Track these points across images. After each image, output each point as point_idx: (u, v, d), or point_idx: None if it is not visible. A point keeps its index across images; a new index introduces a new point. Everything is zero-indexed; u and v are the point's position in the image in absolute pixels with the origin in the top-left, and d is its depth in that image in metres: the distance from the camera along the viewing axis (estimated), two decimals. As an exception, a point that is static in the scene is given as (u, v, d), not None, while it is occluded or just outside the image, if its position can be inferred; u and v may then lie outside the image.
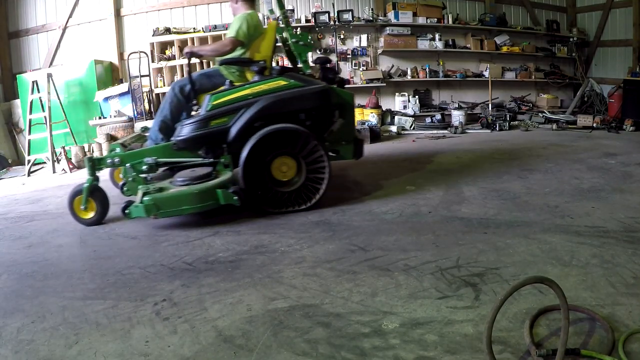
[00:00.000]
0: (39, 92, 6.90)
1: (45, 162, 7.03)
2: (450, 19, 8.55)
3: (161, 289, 2.41)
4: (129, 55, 7.47)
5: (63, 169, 6.61)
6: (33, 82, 6.93)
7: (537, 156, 5.26)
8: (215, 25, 7.91)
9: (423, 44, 8.48)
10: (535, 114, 8.50)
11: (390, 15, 8.33)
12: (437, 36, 8.52)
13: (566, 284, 2.14)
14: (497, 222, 3.12)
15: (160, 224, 3.57)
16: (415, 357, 1.71)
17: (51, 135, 6.75)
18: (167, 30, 7.93)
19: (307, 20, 8.10)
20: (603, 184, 3.93)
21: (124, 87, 7.47)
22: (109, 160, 3.67)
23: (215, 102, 3.58)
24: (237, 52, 3.88)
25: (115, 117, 7.29)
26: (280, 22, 4.19)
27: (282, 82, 3.62)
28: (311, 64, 4.21)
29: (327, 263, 2.62)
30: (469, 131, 7.66)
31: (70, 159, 6.80)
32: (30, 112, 6.97)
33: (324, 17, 7.84)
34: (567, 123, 7.70)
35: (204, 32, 7.84)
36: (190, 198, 3.32)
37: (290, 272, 2.53)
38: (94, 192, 3.66)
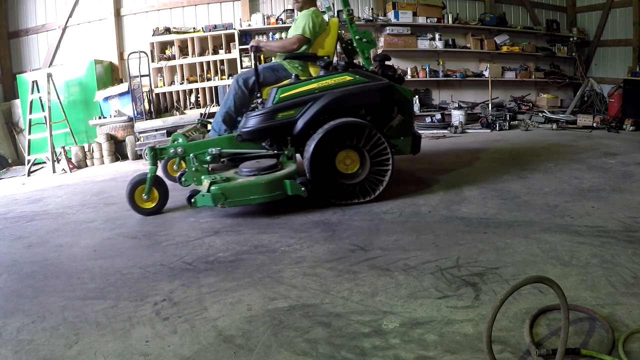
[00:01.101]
0: (39, 92, 6.90)
1: (45, 162, 7.03)
2: (450, 19, 8.55)
3: (161, 289, 2.41)
4: (128, 55, 7.47)
5: (63, 169, 6.61)
6: (33, 82, 6.93)
7: (537, 156, 5.26)
8: (215, 25, 7.90)
9: (423, 44, 8.48)
10: (535, 113, 8.50)
11: (390, 14, 8.33)
12: (437, 36, 8.52)
13: (566, 284, 2.14)
14: (497, 221, 3.12)
15: (160, 223, 3.57)
16: (415, 357, 1.71)
17: (51, 135, 6.75)
18: (167, 30, 7.92)
19: (307, 20, 8.08)
20: (603, 183, 3.93)
21: (123, 87, 7.46)
22: (171, 151, 3.73)
23: (282, 95, 3.66)
24: (302, 48, 4.04)
25: (115, 117, 7.29)
26: (343, 19, 4.28)
27: (347, 77, 3.72)
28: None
29: (327, 263, 2.62)
30: (469, 131, 7.66)
31: (70, 158, 6.80)
32: (30, 112, 6.97)
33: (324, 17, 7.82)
34: (567, 123, 7.70)
35: (204, 32, 7.84)
36: (259, 188, 3.39)
37: (290, 271, 2.53)
38: (157, 182, 3.77)
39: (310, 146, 3.57)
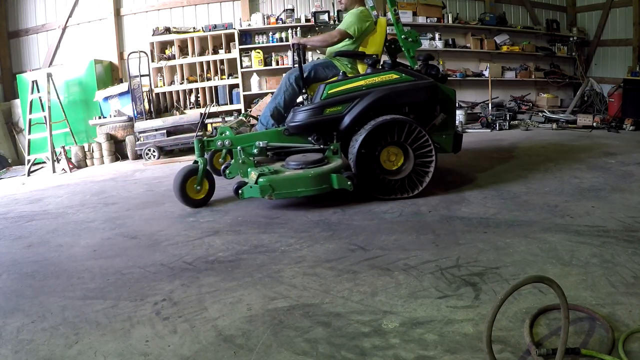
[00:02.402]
0: (38, 91, 6.90)
1: (45, 162, 7.03)
2: (450, 19, 8.54)
3: (161, 289, 2.41)
4: (128, 55, 7.47)
5: (63, 169, 6.61)
6: (33, 81, 6.93)
7: (537, 155, 5.26)
8: (215, 25, 7.90)
9: (423, 44, 8.47)
10: (535, 113, 8.50)
11: (390, 14, 8.32)
12: (437, 35, 8.52)
13: (566, 284, 2.14)
14: (497, 221, 3.12)
15: (160, 223, 3.57)
16: (415, 357, 1.71)
17: (51, 135, 6.75)
18: (167, 30, 7.92)
19: (307, 20, 8.09)
20: (603, 183, 3.93)
21: (123, 86, 7.46)
22: (219, 143, 3.85)
23: (330, 92, 3.76)
24: (347, 46, 4.14)
25: (115, 116, 7.29)
26: (390, 18, 4.31)
27: (394, 76, 3.80)
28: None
29: (327, 262, 2.62)
30: (468, 130, 7.66)
31: (70, 158, 6.80)
32: (30, 112, 6.97)
33: (324, 17, 7.83)
34: (567, 122, 7.70)
35: (204, 31, 7.84)
36: (306, 181, 3.48)
37: (290, 271, 2.53)
38: (208, 174, 3.91)
39: (357, 142, 3.63)
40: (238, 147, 3.77)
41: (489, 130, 7.59)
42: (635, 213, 3.11)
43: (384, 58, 4.58)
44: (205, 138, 3.89)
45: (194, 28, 8.16)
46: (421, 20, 8.37)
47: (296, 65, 4.03)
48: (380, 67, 3.96)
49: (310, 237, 3.04)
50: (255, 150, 3.79)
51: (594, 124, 7.27)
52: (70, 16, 8.32)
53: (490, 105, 8.34)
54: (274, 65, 8.12)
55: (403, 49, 4.20)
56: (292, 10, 8.20)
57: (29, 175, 6.67)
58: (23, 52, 8.55)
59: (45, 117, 6.80)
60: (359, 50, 4.16)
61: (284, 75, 4.27)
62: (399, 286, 2.27)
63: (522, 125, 7.79)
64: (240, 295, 2.28)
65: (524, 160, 5.05)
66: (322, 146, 3.84)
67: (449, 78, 8.63)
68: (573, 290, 2.09)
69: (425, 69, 4.18)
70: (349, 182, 3.53)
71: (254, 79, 8.06)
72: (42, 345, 1.94)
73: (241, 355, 1.79)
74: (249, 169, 3.64)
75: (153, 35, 7.90)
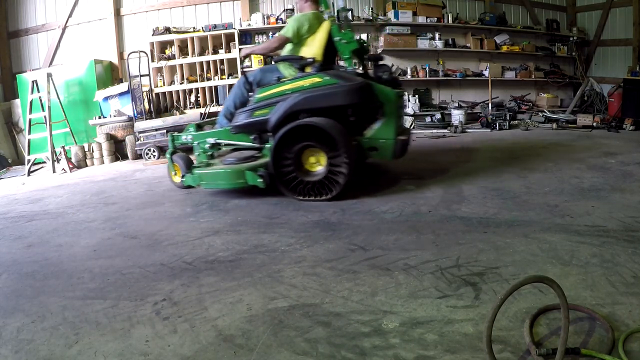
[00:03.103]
0: (38, 91, 6.90)
1: (45, 162, 7.03)
2: (450, 18, 8.55)
3: (161, 289, 2.41)
4: (128, 55, 7.47)
5: (63, 169, 6.61)
6: (33, 81, 6.93)
7: (536, 155, 5.26)
8: (215, 25, 7.91)
9: (423, 43, 8.48)
10: (535, 113, 8.50)
11: (390, 14, 8.33)
12: (437, 35, 8.53)
13: (566, 283, 2.14)
14: (497, 221, 3.12)
15: (160, 223, 3.57)
16: (415, 357, 1.71)
17: (51, 135, 6.75)
18: (167, 30, 7.92)
19: (307, 20, 8.08)
20: (603, 183, 3.93)
21: (123, 86, 7.47)
22: (183, 137, 4.54)
23: (260, 96, 4.03)
24: (290, 50, 4.30)
25: (115, 116, 7.29)
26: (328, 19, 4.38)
27: (317, 79, 3.84)
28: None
29: (327, 262, 2.62)
30: (468, 130, 7.66)
31: (70, 158, 6.80)
32: (30, 112, 6.98)
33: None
34: (567, 122, 7.70)
35: (204, 31, 7.84)
36: (225, 176, 3.93)
37: (290, 271, 2.53)
38: (173, 159, 4.58)
39: (273, 143, 3.83)
40: (195, 142, 4.39)
41: (489, 130, 7.59)
42: (635, 213, 3.11)
43: (353, 62, 4.51)
44: (175, 133, 4.65)
45: (194, 28, 8.17)
46: (421, 20, 8.37)
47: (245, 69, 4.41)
48: (316, 70, 3.95)
49: (310, 237, 3.04)
50: (206, 146, 4.32)
51: (594, 124, 7.28)
52: (70, 16, 8.33)
53: (490, 105, 8.34)
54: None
55: (338, 51, 4.25)
56: (292, 10, 8.21)
57: (29, 175, 6.68)
58: (23, 52, 8.55)
59: (45, 117, 6.80)
60: (301, 53, 4.22)
61: (240, 78, 4.63)
62: (399, 286, 2.27)
63: (522, 125, 7.79)
64: (240, 295, 2.28)
65: (524, 160, 5.05)
66: (259, 145, 4.15)
67: (448, 78, 8.71)
68: (573, 290, 2.09)
69: (374, 71, 4.29)
70: (259, 180, 3.82)
71: (254, 79, 8.05)
72: (42, 345, 1.94)
73: (241, 355, 1.79)
74: (203, 161, 4.22)
75: (153, 35, 7.90)
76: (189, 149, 4.70)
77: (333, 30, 4.15)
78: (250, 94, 4.29)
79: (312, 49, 4.20)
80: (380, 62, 4.43)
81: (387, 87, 4.01)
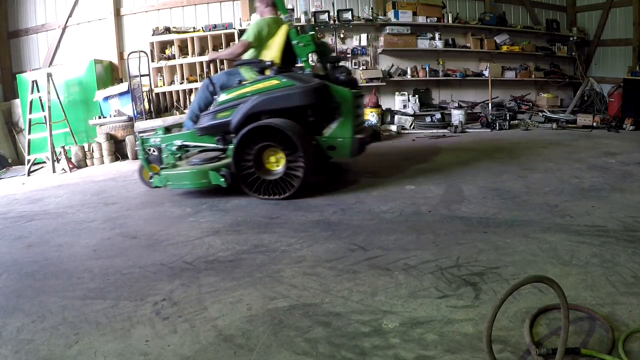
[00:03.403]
0: (38, 91, 6.90)
1: (45, 162, 7.03)
2: (450, 18, 8.55)
3: (161, 289, 2.41)
4: (128, 55, 7.47)
5: (63, 169, 6.61)
6: (33, 81, 6.93)
7: (536, 155, 5.26)
8: (215, 25, 7.91)
9: (423, 43, 8.48)
10: (535, 113, 8.51)
11: (390, 14, 8.33)
12: (437, 35, 8.53)
13: (566, 283, 2.14)
14: (497, 221, 3.12)
15: (160, 223, 3.57)
16: (415, 357, 1.71)
17: (51, 134, 6.75)
18: (167, 30, 7.92)
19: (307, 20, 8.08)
20: (603, 183, 3.93)
21: (123, 86, 7.47)
22: (152, 140, 4.50)
23: (222, 99, 4.13)
24: (251, 53, 4.38)
25: (115, 116, 7.29)
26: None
27: (274, 82, 3.99)
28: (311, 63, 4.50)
29: (327, 262, 2.62)
30: (468, 130, 7.66)
31: (70, 158, 6.80)
32: (30, 112, 6.97)
33: (324, 17, 7.85)
34: (567, 122, 7.70)
35: (204, 31, 7.84)
36: (189, 176, 4.04)
37: (290, 271, 2.53)
38: (149, 160, 4.64)
39: (234, 143, 3.94)
40: (164, 145, 4.40)
41: (489, 130, 7.59)
42: (635, 213, 3.11)
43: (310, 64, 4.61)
44: (144, 136, 4.61)
45: (193, 28, 8.17)
46: (421, 20, 8.37)
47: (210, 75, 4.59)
48: (275, 72, 4.10)
49: (310, 237, 3.04)
50: (173, 148, 4.37)
51: (594, 124, 7.28)
52: (70, 16, 8.33)
53: (490, 105, 8.34)
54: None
55: (296, 53, 4.37)
56: (292, 10, 8.21)
57: (29, 175, 6.67)
58: (23, 52, 8.55)
59: (45, 117, 6.80)
60: (262, 56, 4.35)
61: (204, 80, 4.69)
62: (399, 286, 2.27)
63: (522, 125, 7.79)
64: (240, 295, 2.28)
65: (524, 160, 5.05)
66: (223, 146, 4.24)
67: (448, 78, 8.71)
68: (573, 290, 2.09)
69: (333, 72, 4.40)
70: (221, 179, 3.94)
71: (254, 79, 8.06)
72: (42, 345, 1.94)
73: (241, 355, 1.79)
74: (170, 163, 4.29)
75: (153, 35, 7.90)
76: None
77: (291, 34, 4.28)
78: (215, 96, 4.40)
79: (272, 52, 4.32)
80: (339, 64, 4.58)
81: (345, 87, 4.15)
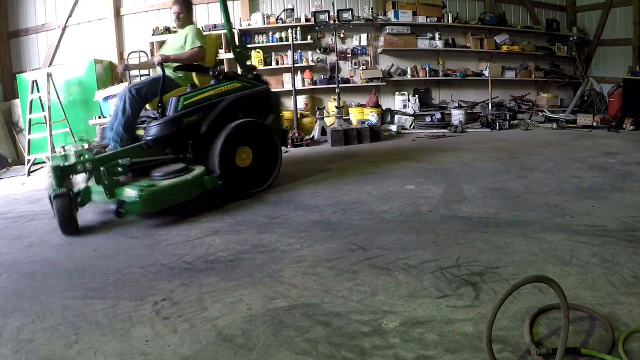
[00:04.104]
0: (38, 91, 6.89)
1: (45, 162, 7.02)
2: (450, 18, 8.55)
3: (161, 288, 2.41)
4: (128, 55, 7.47)
5: (63, 169, 6.59)
6: (33, 81, 6.92)
7: (536, 155, 5.26)
8: (215, 25, 7.90)
9: (423, 43, 8.48)
10: (535, 113, 8.51)
11: (390, 14, 8.33)
12: (436, 35, 8.53)
13: (566, 283, 2.14)
14: (497, 221, 3.12)
15: (160, 223, 3.57)
16: (415, 356, 1.71)
17: (51, 134, 6.75)
18: (167, 30, 7.92)
19: (307, 20, 8.10)
20: (603, 183, 3.93)
21: (123, 86, 7.45)
22: (79, 167, 3.56)
23: (186, 102, 3.96)
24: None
25: (115, 116, 7.28)
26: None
27: (237, 84, 4.28)
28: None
29: (327, 262, 2.62)
30: (468, 130, 7.66)
31: (70, 158, 6.79)
32: (30, 112, 6.97)
33: (324, 16, 7.84)
34: (567, 122, 7.70)
35: (204, 31, 7.82)
36: (185, 187, 3.71)
37: (290, 271, 2.53)
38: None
39: (218, 145, 3.94)
40: (101, 168, 3.53)
41: (489, 130, 7.59)
42: (635, 212, 3.11)
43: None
44: (63, 164, 3.55)
45: (193, 28, 8.15)
46: (421, 19, 8.37)
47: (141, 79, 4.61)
48: (224, 78, 4.27)
49: (310, 237, 3.04)
50: (119, 169, 3.64)
51: (594, 124, 7.28)
52: (70, 16, 8.32)
53: (490, 104, 8.34)
54: (273, 65, 8.13)
55: (237, 60, 4.76)
56: (292, 9, 8.21)
57: (29, 175, 6.67)
58: (23, 52, 8.54)
59: (45, 116, 6.79)
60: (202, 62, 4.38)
61: (120, 94, 4.26)
62: (399, 286, 2.27)
63: (522, 125, 7.79)
64: (240, 295, 2.28)
65: (524, 159, 5.05)
66: (180, 156, 4.04)
67: (448, 77, 8.72)
68: (573, 290, 2.09)
69: (255, 78, 4.64)
70: (219, 182, 3.88)
71: (254, 79, 8.06)
72: (42, 345, 1.94)
73: (241, 355, 1.79)
74: (123, 188, 3.54)
75: (153, 35, 7.90)
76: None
77: (231, 43, 4.79)
78: (147, 107, 4.18)
79: (209, 57, 4.46)
80: (255, 72, 4.85)
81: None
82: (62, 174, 3.53)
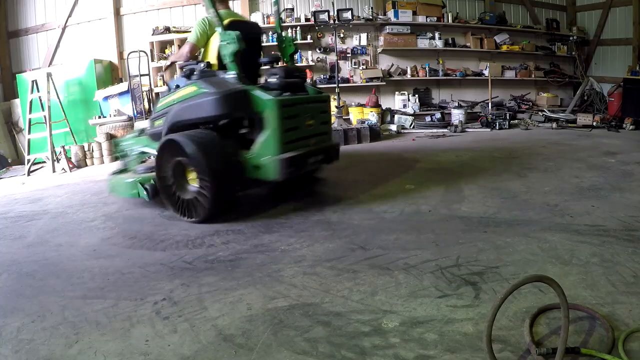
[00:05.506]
0: (38, 91, 6.89)
1: (45, 162, 7.03)
2: (450, 18, 8.55)
3: (161, 288, 2.41)
4: (128, 55, 7.47)
5: (63, 169, 6.61)
6: (33, 81, 6.93)
7: (536, 155, 5.25)
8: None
9: (423, 43, 8.48)
10: (535, 112, 8.51)
11: (390, 14, 8.33)
12: (436, 35, 8.53)
13: (566, 283, 2.14)
14: (497, 220, 3.12)
15: (160, 223, 3.57)
16: (415, 356, 1.71)
17: (51, 134, 6.75)
18: (167, 30, 7.92)
19: (307, 19, 8.10)
20: (603, 182, 3.93)
21: (123, 86, 7.46)
22: (122, 144, 4.39)
23: (157, 106, 3.96)
24: (203, 54, 4.04)
25: (115, 116, 7.29)
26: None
27: (193, 88, 3.55)
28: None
29: (327, 262, 2.62)
30: (468, 130, 7.66)
31: (70, 158, 6.80)
32: (30, 112, 6.97)
33: (324, 16, 7.84)
34: (567, 122, 7.70)
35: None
36: (123, 186, 3.96)
37: (290, 271, 2.53)
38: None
39: (156, 157, 3.65)
40: (128, 149, 4.23)
41: (489, 130, 7.59)
42: (635, 212, 3.11)
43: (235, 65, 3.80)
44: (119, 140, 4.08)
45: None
46: (421, 19, 8.37)
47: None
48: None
49: (310, 237, 3.04)
50: (134, 154, 4.22)
51: (594, 123, 7.28)
52: (70, 16, 8.33)
53: (490, 104, 8.34)
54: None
55: (220, 54, 3.79)
56: (292, 9, 8.21)
57: (28, 174, 6.67)
58: (23, 52, 8.55)
59: (45, 116, 6.79)
60: (207, 58, 3.91)
61: None
62: (399, 285, 2.27)
63: (522, 125, 7.79)
64: (240, 295, 2.28)
65: (524, 159, 5.05)
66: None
67: (448, 77, 8.71)
68: (573, 290, 2.09)
69: (267, 75, 3.78)
70: (144, 193, 3.74)
71: (254, 79, 8.05)
72: (42, 344, 1.94)
73: (241, 354, 1.79)
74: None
75: (153, 34, 7.90)
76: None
77: (218, 32, 3.65)
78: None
79: (212, 52, 3.86)
80: (276, 64, 4.01)
81: (270, 94, 3.49)
82: (116, 148, 4.11)
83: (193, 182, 3.48)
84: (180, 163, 3.49)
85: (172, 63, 4.25)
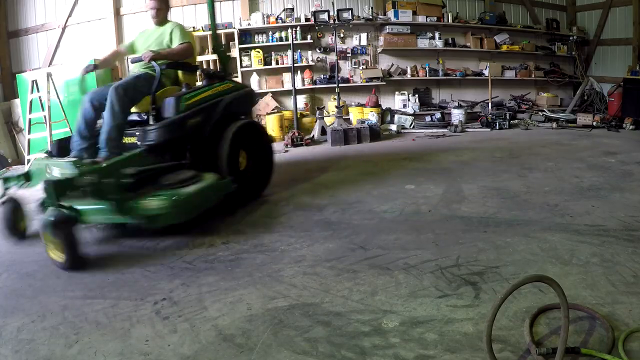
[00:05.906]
0: (38, 91, 6.89)
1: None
2: (450, 18, 8.54)
3: (161, 288, 2.41)
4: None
5: (63, 169, 6.60)
6: (32, 81, 6.92)
7: (536, 155, 5.25)
8: (194, 27, 7.91)
9: (423, 43, 8.47)
10: (535, 112, 8.50)
11: (390, 13, 8.33)
12: (436, 35, 8.52)
13: (566, 283, 2.14)
14: (497, 220, 3.12)
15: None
16: (415, 356, 1.71)
17: (51, 134, 6.74)
18: (167, 29, 7.91)
19: (307, 19, 8.09)
20: (603, 182, 3.93)
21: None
22: (83, 180, 2.97)
23: (188, 103, 3.59)
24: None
25: (114, 116, 7.27)
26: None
27: (230, 84, 4.16)
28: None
29: (327, 262, 2.62)
30: (468, 130, 7.65)
31: (70, 158, 6.79)
32: (30, 112, 6.96)
33: (324, 16, 7.83)
34: (567, 122, 7.70)
35: (204, 30, 7.84)
36: (206, 193, 3.26)
37: (290, 270, 2.53)
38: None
39: (225, 147, 3.72)
40: (105, 181, 3.03)
41: (489, 130, 7.59)
42: (635, 212, 3.11)
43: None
44: (59, 179, 3.01)
45: (193, 27, 8.15)
46: (421, 19, 8.36)
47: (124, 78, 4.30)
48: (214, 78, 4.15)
49: (310, 237, 3.04)
50: (125, 180, 3.15)
51: (594, 123, 7.27)
52: (70, 16, 8.32)
53: (490, 104, 8.33)
54: (273, 65, 8.12)
55: (221, 60, 4.90)
56: (292, 9, 8.20)
57: (28, 174, 6.66)
58: (23, 52, 8.54)
59: (45, 116, 6.79)
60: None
61: (92, 95, 3.79)
62: (399, 285, 2.27)
63: (522, 125, 7.78)
64: (240, 295, 2.28)
65: (524, 159, 5.05)
66: (175, 162, 3.55)
67: (448, 77, 8.71)
68: (573, 290, 2.09)
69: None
70: (233, 186, 3.52)
71: (254, 78, 8.06)
72: (42, 344, 1.94)
73: (241, 354, 1.79)
74: (132, 203, 3.02)
75: (153, 34, 7.88)
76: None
77: (215, 43, 4.71)
78: (135, 110, 3.66)
79: (194, 56, 4.22)
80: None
81: None
82: (58, 190, 2.85)
83: (243, 163, 4.05)
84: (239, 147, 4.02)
85: (156, 58, 3.73)
